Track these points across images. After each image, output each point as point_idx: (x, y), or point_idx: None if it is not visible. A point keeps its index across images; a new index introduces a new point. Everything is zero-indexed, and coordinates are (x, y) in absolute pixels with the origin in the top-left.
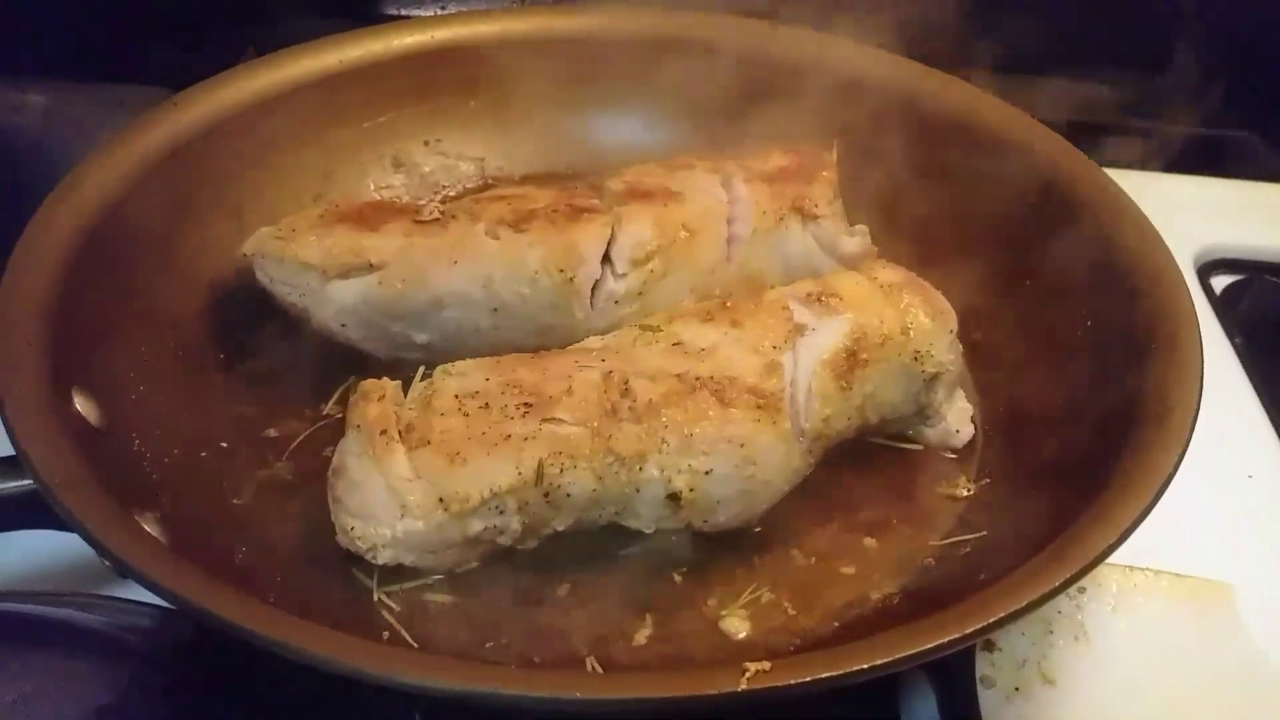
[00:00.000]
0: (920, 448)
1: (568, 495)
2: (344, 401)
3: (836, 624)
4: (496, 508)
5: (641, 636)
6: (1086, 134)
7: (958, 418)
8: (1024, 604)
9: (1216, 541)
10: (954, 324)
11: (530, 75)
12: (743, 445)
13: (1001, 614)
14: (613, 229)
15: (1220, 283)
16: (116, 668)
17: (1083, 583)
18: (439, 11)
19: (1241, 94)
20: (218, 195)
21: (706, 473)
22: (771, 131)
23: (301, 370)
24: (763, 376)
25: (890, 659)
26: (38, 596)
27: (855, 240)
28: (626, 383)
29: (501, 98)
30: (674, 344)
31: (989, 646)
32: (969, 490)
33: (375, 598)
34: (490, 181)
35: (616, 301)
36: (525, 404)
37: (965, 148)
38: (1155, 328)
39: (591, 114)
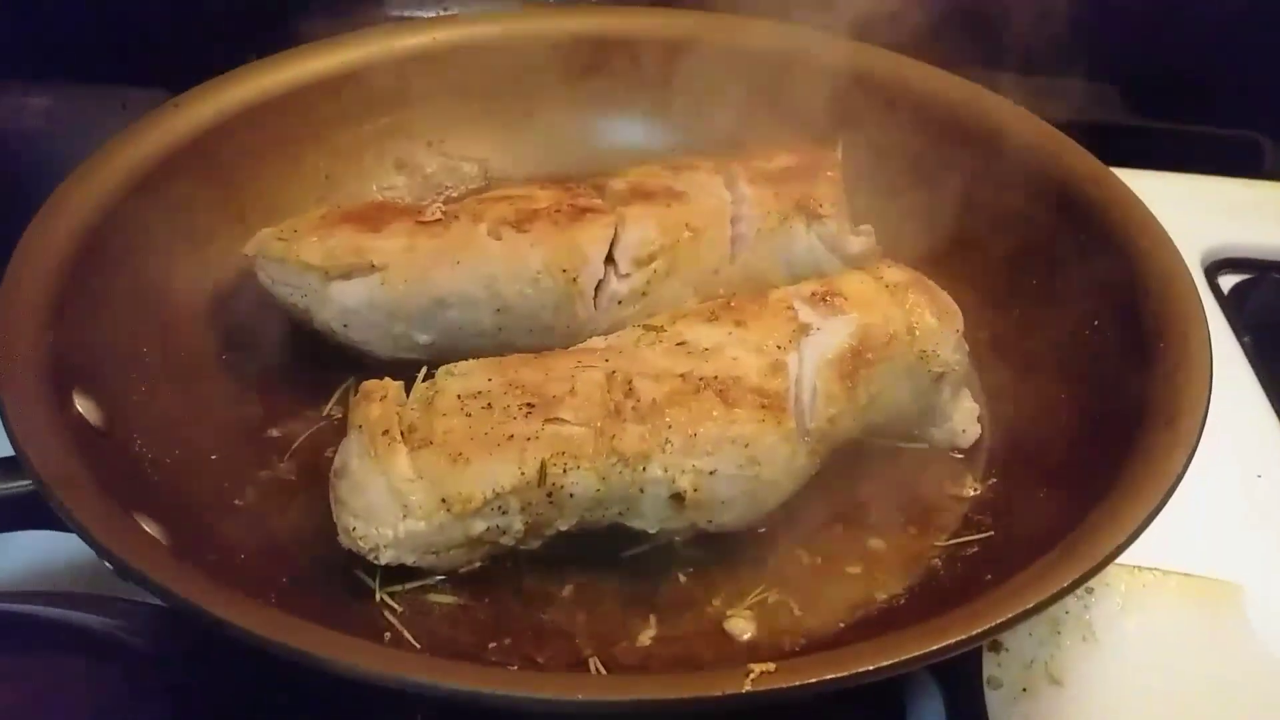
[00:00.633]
0: (926, 447)
1: (571, 496)
2: (346, 402)
3: (842, 625)
4: (499, 508)
5: (645, 637)
6: (1093, 134)
7: (964, 417)
8: (1032, 605)
9: (1225, 541)
10: (960, 323)
11: (533, 75)
12: (747, 445)
13: (1009, 615)
14: (616, 229)
15: (1228, 282)
16: (116, 668)
17: (1091, 583)
18: (440, 12)
19: (1249, 93)
20: (219, 197)
21: (711, 473)
22: (776, 131)
23: (303, 371)
24: (767, 376)
25: (897, 660)
26: (38, 596)
27: (860, 240)
28: (630, 383)
29: (504, 98)
30: (678, 344)
31: (996, 647)
32: (975, 490)
33: (377, 598)
34: (493, 182)
35: (620, 301)
36: (528, 404)
37: (971, 147)
38: (1164, 328)
39: (594, 114)
